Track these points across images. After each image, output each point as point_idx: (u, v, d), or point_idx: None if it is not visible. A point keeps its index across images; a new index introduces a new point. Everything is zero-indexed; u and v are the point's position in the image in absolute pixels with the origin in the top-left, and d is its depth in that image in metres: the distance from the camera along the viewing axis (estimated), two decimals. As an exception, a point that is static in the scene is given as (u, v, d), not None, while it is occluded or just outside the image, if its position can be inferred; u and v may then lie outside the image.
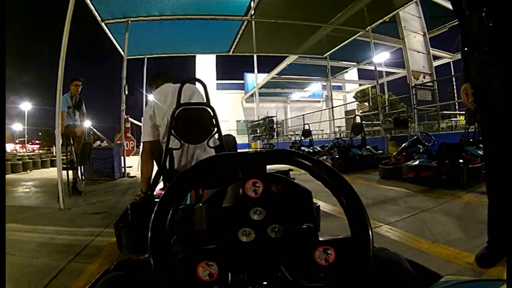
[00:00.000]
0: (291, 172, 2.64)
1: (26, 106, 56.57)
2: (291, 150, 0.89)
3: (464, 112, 9.75)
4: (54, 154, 11.99)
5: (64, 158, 6.38)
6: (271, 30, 13.54)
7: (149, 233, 0.73)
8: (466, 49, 2.50)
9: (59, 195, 5.24)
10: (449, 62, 22.46)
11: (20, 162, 14.25)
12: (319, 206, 2.27)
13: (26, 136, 58.29)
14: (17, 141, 60.79)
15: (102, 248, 3.27)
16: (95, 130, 12.75)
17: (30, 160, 15.41)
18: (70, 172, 6.57)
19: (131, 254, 2.77)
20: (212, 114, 3.61)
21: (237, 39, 14.18)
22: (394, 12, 13.93)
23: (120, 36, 11.63)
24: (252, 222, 0.84)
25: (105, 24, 11.09)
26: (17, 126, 61.89)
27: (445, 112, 15.53)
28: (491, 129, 2.35)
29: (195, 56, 36.77)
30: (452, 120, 18.10)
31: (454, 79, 17.01)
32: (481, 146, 5.26)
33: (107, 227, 3.98)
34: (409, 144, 7.60)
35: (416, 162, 6.28)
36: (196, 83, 3.84)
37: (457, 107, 15.81)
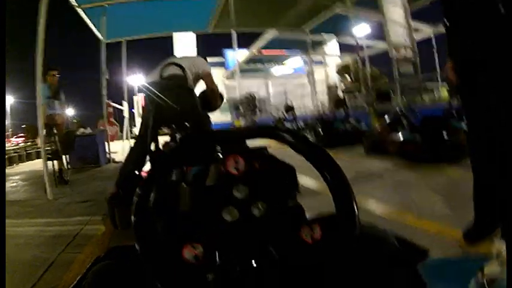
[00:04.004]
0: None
1: (8, 100, 55.58)
2: (271, 126, 0.89)
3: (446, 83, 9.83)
4: (39, 145, 11.88)
5: (48, 148, 6.31)
6: (249, 4, 13.41)
7: (133, 219, 0.73)
8: (448, 24, 2.50)
9: (45, 187, 5.21)
10: (431, 37, 22.54)
11: (6, 156, 14.04)
12: None
13: (11, 130, 57.43)
14: (1, 136, 59.82)
15: (92, 237, 3.27)
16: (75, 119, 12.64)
17: (16, 154, 15.20)
18: (55, 162, 6.51)
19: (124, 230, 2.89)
20: (191, 96, 3.77)
21: (216, 16, 14.05)
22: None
23: (98, 21, 11.40)
24: (236, 201, 0.84)
25: (81, 9, 10.85)
26: (0, 121, 60.87)
27: (427, 83, 15.63)
28: (472, 103, 2.36)
29: (171, 36, 36.32)
30: (434, 93, 18.27)
31: (436, 52, 17.10)
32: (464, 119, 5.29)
33: (95, 215, 3.97)
34: (393, 117, 7.64)
35: (400, 135, 6.32)
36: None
37: (439, 79, 15.93)
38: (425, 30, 22.09)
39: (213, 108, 4.50)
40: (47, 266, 2.54)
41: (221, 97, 4.60)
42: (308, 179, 4.13)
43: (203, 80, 4.52)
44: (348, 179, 0.76)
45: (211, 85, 4.53)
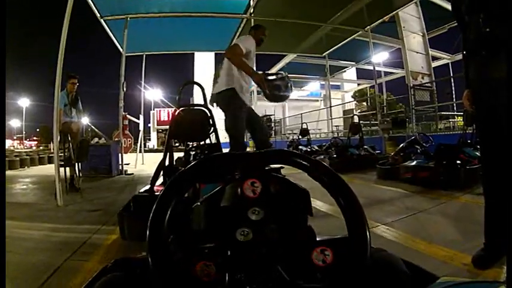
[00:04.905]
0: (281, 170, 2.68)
1: (25, 102, 56.48)
2: (290, 151, 0.89)
3: (462, 113, 9.77)
4: (52, 151, 11.97)
5: (62, 154, 6.35)
6: (270, 28, 13.37)
7: (147, 232, 0.73)
8: (465, 53, 2.52)
9: (56, 192, 5.23)
10: (448, 63, 22.50)
11: (18, 158, 14.14)
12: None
13: (24, 132, 58.25)
14: (15, 138, 60.74)
15: (100, 246, 3.26)
16: (93, 127, 12.77)
17: (28, 157, 15.30)
18: (67, 169, 6.56)
19: (133, 242, 2.99)
20: (209, 115, 3.81)
21: (236, 37, 14.14)
22: (393, 13, 13.94)
23: (119, 33, 11.57)
24: (250, 222, 0.84)
25: (104, 20, 11.03)
26: (15, 123, 61.82)
27: (443, 113, 15.55)
28: (487, 130, 2.37)
29: (193, 54, 36.75)
30: (450, 121, 18.15)
31: (452, 80, 17.05)
32: (479, 147, 5.27)
33: (104, 225, 3.98)
34: (407, 144, 7.60)
35: (414, 163, 6.28)
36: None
37: (455, 108, 15.83)
38: (443, 58, 22.08)
39: (271, 96, 4.36)
40: (52, 271, 2.53)
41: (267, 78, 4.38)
42: (318, 201, 4.15)
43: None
44: (361, 205, 0.76)
45: (233, 62, 4.46)
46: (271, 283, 0.77)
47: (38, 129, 73.10)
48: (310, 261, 0.85)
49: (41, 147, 36.40)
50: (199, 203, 0.98)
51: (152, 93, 28.07)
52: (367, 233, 0.74)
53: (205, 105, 4.03)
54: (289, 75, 4.62)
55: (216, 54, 33.82)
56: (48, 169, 10.84)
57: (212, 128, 4.01)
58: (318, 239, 0.91)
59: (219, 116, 4.24)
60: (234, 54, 4.44)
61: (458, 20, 2.54)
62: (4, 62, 1.60)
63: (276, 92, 4.31)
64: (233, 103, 4.42)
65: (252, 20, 12.28)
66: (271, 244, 0.83)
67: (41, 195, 6.44)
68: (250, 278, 0.78)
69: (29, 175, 10.52)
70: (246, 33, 12.97)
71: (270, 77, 4.35)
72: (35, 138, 70.79)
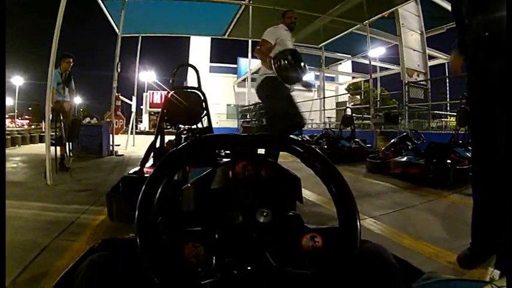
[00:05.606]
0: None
1: (18, 81, 55.69)
2: (284, 136, 0.88)
3: (455, 113, 9.80)
4: (43, 130, 11.89)
5: (53, 133, 6.30)
6: (268, 16, 13.39)
7: (136, 213, 0.72)
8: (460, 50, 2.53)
9: (46, 171, 5.21)
10: (445, 63, 22.48)
11: (9, 137, 13.98)
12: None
13: (16, 111, 57.53)
14: (7, 116, 59.97)
15: (88, 226, 3.27)
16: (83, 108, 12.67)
17: (19, 135, 15.12)
18: (58, 148, 6.51)
19: (120, 223, 3.01)
20: (202, 98, 3.79)
21: (233, 23, 14.08)
22: (393, 9, 13.90)
23: (116, 14, 11.45)
24: (240, 206, 0.84)
25: (101, 0, 10.90)
26: (7, 101, 60.99)
27: (436, 112, 15.60)
28: (481, 131, 2.38)
29: (189, 37, 36.46)
30: (442, 121, 18.22)
31: (447, 80, 17.07)
32: (470, 148, 5.29)
33: (92, 205, 3.98)
34: (398, 140, 7.63)
35: (404, 159, 6.30)
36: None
37: (448, 107, 15.88)
38: (440, 57, 22.08)
39: (282, 78, 4.33)
40: (39, 251, 2.53)
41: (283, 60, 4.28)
42: (307, 191, 4.17)
43: None
44: (352, 194, 0.76)
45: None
46: (258, 268, 0.77)
47: (30, 108, 72.27)
48: (299, 248, 0.85)
49: (33, 126, 35.92)
50: (189, 185, 0.98)
51: (146, 75, 27.93)
52: (358, 222, 0.74)
53: (198, 88, 4.01)
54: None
55: (212, 39, 33.62)
56: (39, 148, 10.75)
57: (204, 112, 4.01)
58: (307, 226, 0.91)
59: (212, 101, 4.25)
60: (256, 50, 4.73)
61: (458, 22, 2.54)
62: (4, 61, 1.59)
63: (285, 73, 4.33)
64: (268, 87, 4.52)
65: (251, 7, 12.22)
66: (260, 228, 0.82)
67: (31, 174, 6.40)
68: (238, 262, 0.77)
69: (19, 154, 10.41)
70: (245, 20, 12.98)
71: (281, 60, 4.33)
72: (26, 117, 69.90)
